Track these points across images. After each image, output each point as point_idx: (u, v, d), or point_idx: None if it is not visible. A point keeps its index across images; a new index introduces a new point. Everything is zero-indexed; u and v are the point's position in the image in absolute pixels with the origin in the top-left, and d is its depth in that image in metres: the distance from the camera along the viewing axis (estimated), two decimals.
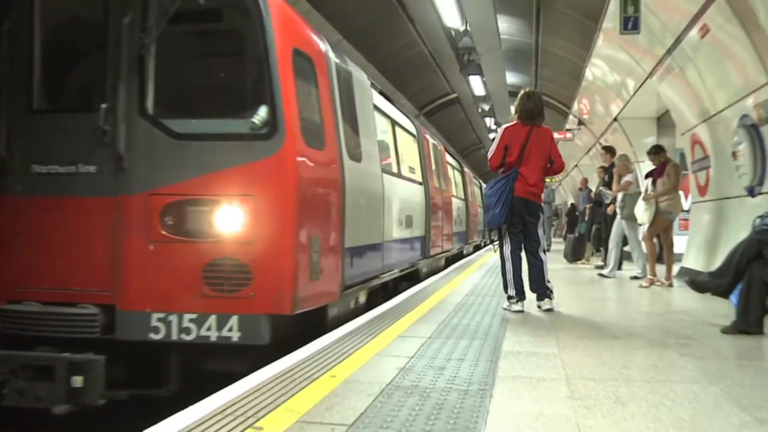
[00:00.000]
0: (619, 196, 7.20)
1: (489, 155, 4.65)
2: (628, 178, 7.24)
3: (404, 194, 6.38)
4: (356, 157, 4.39)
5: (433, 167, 8.56)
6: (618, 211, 7.28)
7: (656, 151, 6.70)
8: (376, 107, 5.55)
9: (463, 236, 12.30)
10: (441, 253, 8.91)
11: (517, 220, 4.48)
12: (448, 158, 11.21)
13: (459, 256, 11.78)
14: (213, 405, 2.18)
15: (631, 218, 7.04)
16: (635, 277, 7.13)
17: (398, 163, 6.38)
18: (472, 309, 4.58)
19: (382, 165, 5.36)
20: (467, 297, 5.33)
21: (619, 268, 8.01)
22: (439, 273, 8.02)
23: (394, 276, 5.86)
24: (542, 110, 4.60)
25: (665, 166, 6.48)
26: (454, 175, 11.83)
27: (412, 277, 7.07)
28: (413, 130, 7.77)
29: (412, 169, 7.24)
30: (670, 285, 6.39)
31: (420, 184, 7.43)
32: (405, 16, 11.53)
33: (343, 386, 2.44)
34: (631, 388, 2.45)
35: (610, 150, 8.74)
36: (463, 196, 12.58)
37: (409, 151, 7.26)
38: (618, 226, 7.34)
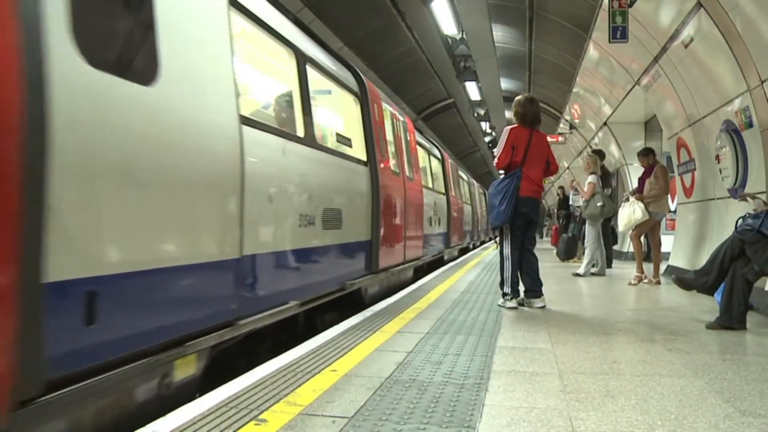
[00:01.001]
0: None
1: (497, 154, 4.71)
2: (591, 179, 7.44)
3: (327, 175, 4.16)
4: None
5: (389, 145, 6.04)
6: (581, 210, 7.49)
7: (645, 153, 6.87)
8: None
9: (444, 239, 10.00)
10: (403, 263, 6.35)
11: (520, 220, 4.58)
12: (419, 138, 8.83)
13: (438, 263, 9.69)
14: (219, 398, 2.23)
15: (592, 217, 7.35)
16: (577, 274, 7.36)
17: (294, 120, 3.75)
18: (468, 306, 4.65)
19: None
20: (464, 294, 5.40)
21: (609, 266, 8.16)
22: (398, 292, 5.59)
23: (259, 323, 2.96)
24: (540, 115, 4.78)
25: (653, 168, 6.64)
26: (429, 162, 9.62)
27: (343, 305, 4.57)
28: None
29: (343, 139, 4.80)
30: (658, 283, 6.50)
31: (360, 163, 4.97)
32: (404, 24, 11.71)
33: (343, 380, 2.50)
34: (620, 382, 2.50)
35: (599, 153, 8.90)
36: (443, 189, 10.46)
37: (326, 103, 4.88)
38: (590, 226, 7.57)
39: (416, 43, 12.80)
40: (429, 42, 12.75)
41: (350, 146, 4.90)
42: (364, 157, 5.13)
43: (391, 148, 6.13)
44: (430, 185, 9.19)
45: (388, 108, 6.36)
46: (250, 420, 2.00)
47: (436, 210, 8.98)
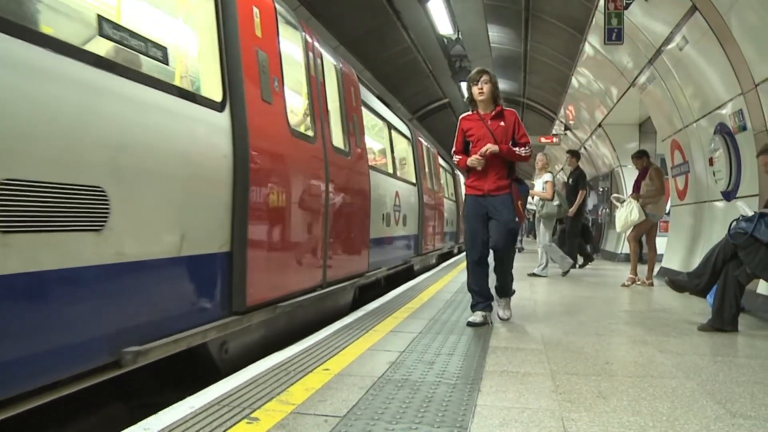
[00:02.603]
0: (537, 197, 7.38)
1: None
2: (547, 178, 7.41)
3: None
4: None
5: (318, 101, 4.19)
6: (536, 209, 7.46)
7: (639, 156, 6.90)
8: None
9: (413, 243, 7.89)
10: (343, 280, 4.58)
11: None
12: (376, 104, 6.78)
13: (407, 273, 7.51)
14: (210, 396, 2.22)
15: (549, 217, 7.31)
16: (534, 274, 7.33)
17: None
18: (461, 306, 4.64)
19: None
20: (456, 294, 5.40)
21: (589, 260, 8.25)
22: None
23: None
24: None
25: (647, 170, 6.67)
26: (390, 137, 7.30)
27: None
28: None
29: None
30: (651, 284, 6.53)
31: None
32: (400, 24, 11.74)
33: (336, 379, 2.49)
34: (612, 383, 2.51)
35: (575, 154, 8.96)
36: (413, 179, 8.11)
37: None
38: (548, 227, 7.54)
39: (412, 42, 12.83)
40: (425, 42, 12.80)
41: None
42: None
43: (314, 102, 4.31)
44: (398, 172, 7.16)
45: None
46: (242, 418, 1.99)
47: (404, 205, 7.11)
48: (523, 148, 3.89)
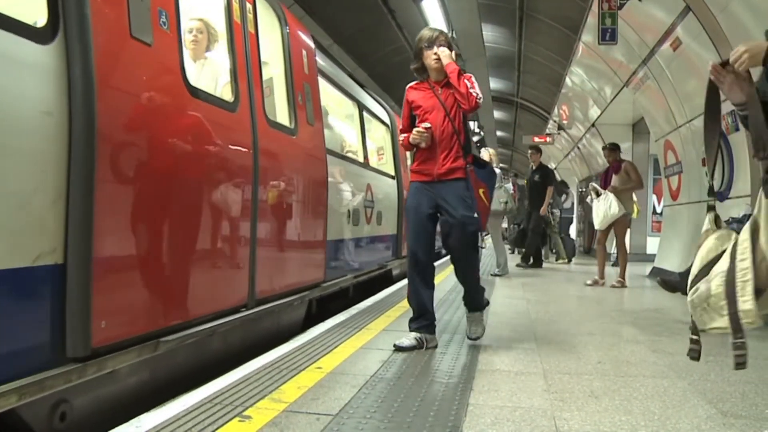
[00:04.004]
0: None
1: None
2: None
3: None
4: None
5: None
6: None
7: (613, 148, 6.72)
8: None
9: (392, 245, 6.90)
10: (284, 295, 3.66)
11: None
12: (343, 79, 5.80)
13: (385, 280, 6.45)
14: (203, 394, 2.21)
15: (495, 215, 6.89)
16: (496, 275, 7.18)
17: None
18: (453, 305, 4.63)
19: None
20: (449, 293, 5.39)
21: (538, 264, 8.21)
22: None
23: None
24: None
25: (619, 164, 6.55)
26: (361, 121, 6.19)
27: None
28: None
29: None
30: (623, 285, 6.29)
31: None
32: (394, 23, 11.77)
33: (328, 377, 2.48)
34: (604, 382, 2.51)
35: (538, 150, 8.85)
36: (392, 171, 7.03)
37: None
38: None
39: (406, 41, 12.83)
40: None
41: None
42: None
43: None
44: (358, 158, 5.91)
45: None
46: (235, 416, 1.98)
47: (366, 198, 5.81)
48: (474, 89, 3.07)
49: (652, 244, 10.13)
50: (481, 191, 3.10)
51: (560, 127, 14.12)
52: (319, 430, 1.88)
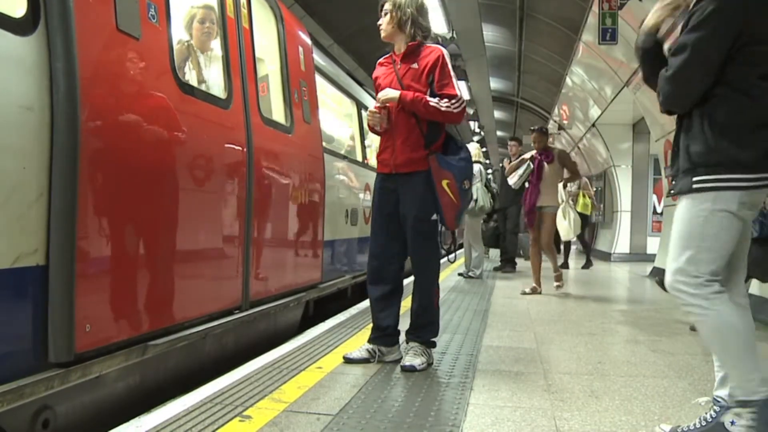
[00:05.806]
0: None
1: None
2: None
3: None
4: None
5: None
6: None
7: (543, 132, 5.87)
8: None
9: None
10: (280, 296, 3.61)
11: None
12: (341, 78, 5.70)
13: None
14: (203, 394, 2.21)
15: (469, 214, 6.61)
16: (462, 275, 6.88)
17: None
18: (453, 305, 4.64)
19: None
20: (449, 293, 5.40)
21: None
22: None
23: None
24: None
25: (550, 152, 5.68)
26: (360, 120, 6.03)
27: None
28: None
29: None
30: (559, 286, 5.68)
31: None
32: None
33: (329, 377, 2.49)
34: (605, 382, 2.52)
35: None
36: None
37: None
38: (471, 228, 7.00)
39: None
40: None
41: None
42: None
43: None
44: (356, 157, 5.77)
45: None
46: (235, 416, 1.98)
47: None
48: (443, 100, 2.57)
49: (652, 244, 10.14)
50: (444, 183, 2.59)
51: (560, 127, 14.12)
52: (320, 430, 1.88)
